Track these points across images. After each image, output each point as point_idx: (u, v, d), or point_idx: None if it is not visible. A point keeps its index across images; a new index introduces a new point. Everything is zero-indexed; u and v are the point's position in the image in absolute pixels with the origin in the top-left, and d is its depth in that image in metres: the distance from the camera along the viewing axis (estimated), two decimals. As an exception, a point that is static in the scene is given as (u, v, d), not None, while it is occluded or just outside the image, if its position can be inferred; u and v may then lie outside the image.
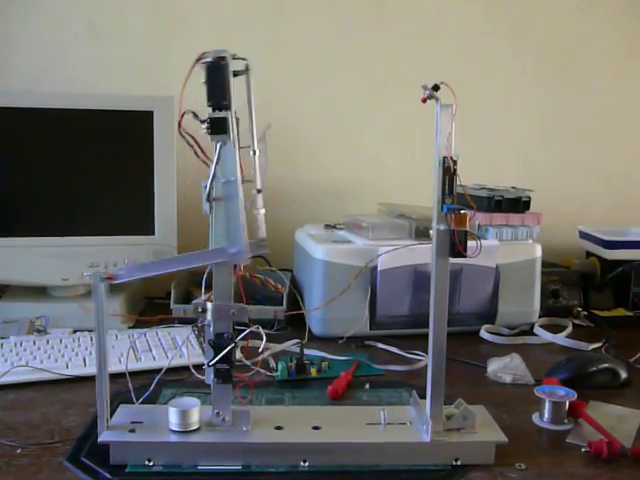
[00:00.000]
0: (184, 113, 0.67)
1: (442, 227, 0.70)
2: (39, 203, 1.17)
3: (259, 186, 0.70)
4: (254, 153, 0.69)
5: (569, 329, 1.21)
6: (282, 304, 1.17)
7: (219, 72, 0.66)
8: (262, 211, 0.70)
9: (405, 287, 1.14)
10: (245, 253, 0.69)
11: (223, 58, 0.66)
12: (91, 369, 0.92)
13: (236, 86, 0.67)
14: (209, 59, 0.66)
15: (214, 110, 0.67)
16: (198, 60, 0.65)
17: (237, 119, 0.69)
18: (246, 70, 0.68)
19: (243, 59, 0.68)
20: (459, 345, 1.06)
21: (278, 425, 0.74)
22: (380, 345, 1.11)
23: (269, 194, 0.72)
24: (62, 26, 1.40)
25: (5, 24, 1.39)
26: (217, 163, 0.68)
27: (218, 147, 0.68)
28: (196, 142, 0.69)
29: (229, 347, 0.71)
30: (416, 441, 0.72)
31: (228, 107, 0.67)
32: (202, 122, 0.67)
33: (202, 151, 0.70)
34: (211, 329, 0.71)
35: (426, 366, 0.74)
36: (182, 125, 0.68)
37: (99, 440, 0.70)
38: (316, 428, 0.74)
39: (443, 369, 0.73)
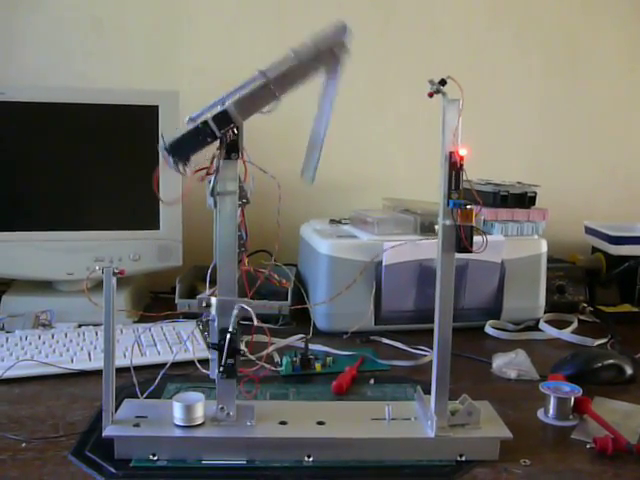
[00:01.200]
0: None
1: (448, 222, 0.70)
2: (44, 197, 1.17)
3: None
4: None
5: (574, 325, 1.20)
6: (287, 299, 1.17)
7: None
8: None
9: (410, 282, 1.14)
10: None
11: None
12: (96, 363, 0.92)
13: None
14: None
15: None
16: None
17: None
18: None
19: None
20: (464, 340, 1.06)
21: (282, 420, 0.74)
22: (385, 340, 1.11)
23: (274, 189, 0.72)
24: (68, 22, 1.40)
25: (12, 20, 1.38)
26: (221, 157, 0.68)
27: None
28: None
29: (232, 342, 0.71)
30: (421, 437, 0.72)
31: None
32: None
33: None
34: (215, 324, 0.71)
35: (431, 361, 0.74)
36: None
37: (104, 434, 0.70)
38: (320, 423, 0.74)
39: (448, 365, 0.73)
